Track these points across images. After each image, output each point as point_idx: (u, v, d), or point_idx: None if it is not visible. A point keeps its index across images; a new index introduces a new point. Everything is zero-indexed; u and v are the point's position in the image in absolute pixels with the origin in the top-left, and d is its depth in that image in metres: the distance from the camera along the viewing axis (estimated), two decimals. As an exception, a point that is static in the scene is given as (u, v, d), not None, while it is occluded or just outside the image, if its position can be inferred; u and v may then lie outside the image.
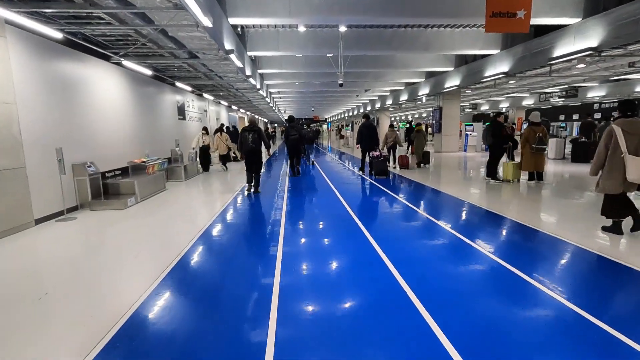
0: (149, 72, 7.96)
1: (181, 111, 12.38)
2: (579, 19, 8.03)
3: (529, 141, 7.53)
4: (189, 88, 11.26)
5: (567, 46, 8.41)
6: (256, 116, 36.73)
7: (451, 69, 14.34)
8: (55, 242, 4.58)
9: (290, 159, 10.14)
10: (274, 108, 26.45)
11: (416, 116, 48.10)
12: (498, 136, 8.04)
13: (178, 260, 3.78)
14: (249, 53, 10.55)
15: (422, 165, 11.52)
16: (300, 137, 9.93)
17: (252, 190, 7.40)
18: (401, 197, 6.96)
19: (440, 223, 4.93)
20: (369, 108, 28.90)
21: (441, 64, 14.20)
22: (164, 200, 7.24)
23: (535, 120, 7.55)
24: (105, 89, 7.37)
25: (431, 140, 19.22)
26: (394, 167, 11.31)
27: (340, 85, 10.77)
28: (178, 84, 10.38)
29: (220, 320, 2.57)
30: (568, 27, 8.45)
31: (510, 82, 13.26)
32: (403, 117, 49.23)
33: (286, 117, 42.16)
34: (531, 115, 7.63)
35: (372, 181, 8.92)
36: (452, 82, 14.46)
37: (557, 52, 8.69)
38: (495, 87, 15.23)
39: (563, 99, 24.44)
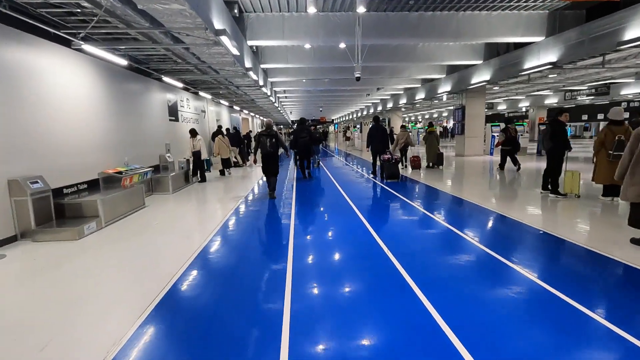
0: (123, 61, 6.42)
1: (173, 111, 10.86)
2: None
3: (605, 146, 5.84)
4: (180, 84, 9.71)
5: (646, 25, 6.70)
6: (263, 118, 35.21)
7: (479, 62, 12.64)
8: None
9: (300, 162, 9.89)
10: (279, 108, 24.92)
11: (427, 117, 46.29)
12: (559, 139, 6.35)
13: (132, 333, 2.27)
14: (249, 42, 8.99)
15: (434, 166, 11.30)
16: (311, 140, 9.52)
17: (270, 195, 7.15)
18: (424, 208, 5.34)
19: (500, 258, 3.29)
20: (379, 108, 27.26)
21: (468, 56, 12.50)
22: (139, 222, 5.67)
23: (617, 118, 5.83)
24: (67, 83, 5.85)
25: (445, 140, 17.70)
26: (404, 167, 11.27)
27: (357, 78, 9.16)
28: (166, 79, 8.84)
29: None
30: (646, 2, 6.75)
31: (550, 75, 11.52)
32: (413, 118, 47.44)
33: (293, 119, 41.27)
34: (611, 112, 5.90)
35: (385, 186, 8.23)
36: (481, 77, 12.76)
37: (632, 34, 6.97)
38: (529, 82, 13.47)
39: (592, 97, 22.53)
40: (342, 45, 10.72)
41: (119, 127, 7.54)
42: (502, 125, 16.93)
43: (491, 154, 15.76)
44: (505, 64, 11.37)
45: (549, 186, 6.66)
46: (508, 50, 11.75)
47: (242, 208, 6.47)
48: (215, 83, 11.36)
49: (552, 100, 26.44)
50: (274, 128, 7.45)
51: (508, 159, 10.20)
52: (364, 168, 12.31)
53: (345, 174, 10.93)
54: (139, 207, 6.54)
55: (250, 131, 23.55)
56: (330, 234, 4.78)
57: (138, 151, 8.36)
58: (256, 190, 8.53)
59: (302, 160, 9.74)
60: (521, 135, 15.89)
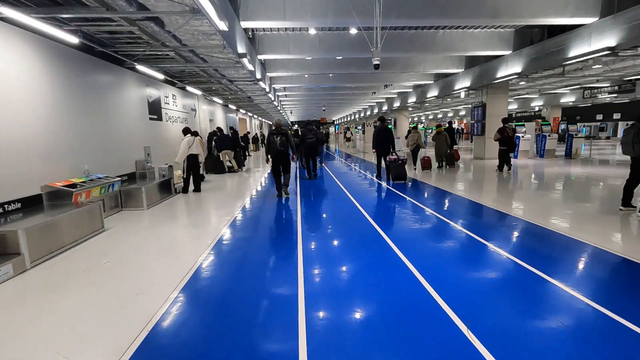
0: (73, 39, 4.81)
1: (155, 109, 9.25)
2: None
3: None
4: (160, 76, 8.08)
5: None
6: (264, 120, 33.63)
7: (508, 52, 11.08)
8: None
9: (306, 162, 10.07)
10: (278, 108, 23.34)
11: (430, 117, 44.72)
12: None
13: None
14: (244, 24, 7.41)
15: (443, 165, 11.40)
16: (318, 140, 9.60)
17: (283, 194, 7.15)
18: (446, 217, 3.76)
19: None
20: (384, 108, 25.70)
21: (495, 45, 10.94)
22: (85, 258, 4.04)
23: None
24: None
25: (457, 142, 16.34)
26: (415, 168, 11.21)
27: (376, 66, 7.58)
28: (141, 67, 7.20)
29: None
30: None
31: (595, 66, 9.91)
32: (416, 119, 45.91)
33: (293, 120, 40.16)
34: None
35: (392, 188, 7.94)
36: (510, 70, 11.19)
37: None
38: (563, 75, 11.85)
39: (615, 95, 20.94)
40: (354, 31, 9.16)
41: (77, 126, 5.93)
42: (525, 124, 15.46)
43: (515, 156, 14.17)
44: (543, 53, 9.78)
45: (633, 202, 5.09)
46: (542, 38, 10.19)
47: (239, 220, 4.85)
48: (204, 76, 9.75)
49: (568, 99, 24.90)
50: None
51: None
52: (367, 169, 12.10)
53: (349, 176, 10.75)
54: (94, 232, 4.92)
55: (248, 132, 21.93)
56: (342, 245, 4.18)
57: (105, 157, 6.76)
58: (255, 198, 7.00)
59: (308, 161, 9.99)
60: (548, 136, 14.40)
